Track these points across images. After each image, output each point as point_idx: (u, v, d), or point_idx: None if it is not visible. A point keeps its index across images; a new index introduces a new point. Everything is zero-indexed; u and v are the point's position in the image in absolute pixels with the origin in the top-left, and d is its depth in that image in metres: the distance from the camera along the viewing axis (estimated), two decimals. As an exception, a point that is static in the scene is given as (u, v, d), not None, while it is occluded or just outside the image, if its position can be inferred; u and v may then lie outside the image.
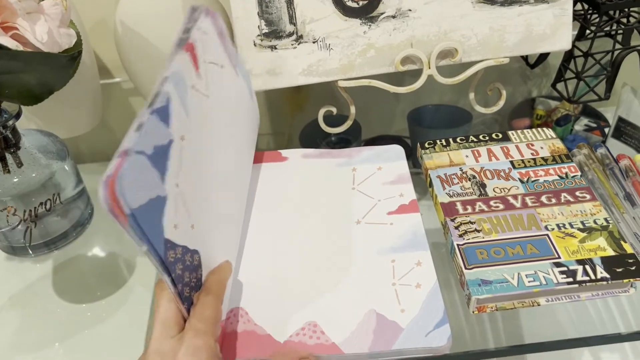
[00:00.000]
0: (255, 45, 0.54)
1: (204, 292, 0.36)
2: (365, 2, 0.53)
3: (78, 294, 0.58)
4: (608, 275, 0.42)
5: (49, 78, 0.39)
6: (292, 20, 0.54)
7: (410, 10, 0.54)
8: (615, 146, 0.66)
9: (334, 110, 0.59)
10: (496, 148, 0.54)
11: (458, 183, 0.51)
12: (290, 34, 0.54)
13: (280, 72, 0.55)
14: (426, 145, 0.55)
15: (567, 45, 0.56)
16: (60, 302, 0.58)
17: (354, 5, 0.53)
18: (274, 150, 0.56)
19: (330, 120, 0.60)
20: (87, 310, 0.57)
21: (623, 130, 0.65)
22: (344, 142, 0.70)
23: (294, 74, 0.55)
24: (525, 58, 0.74)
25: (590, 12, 0.62)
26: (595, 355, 0.57)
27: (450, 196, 0.50)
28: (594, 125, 0.73)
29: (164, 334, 0.33)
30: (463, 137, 0.56)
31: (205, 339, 0.33)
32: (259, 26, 0.53)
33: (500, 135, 0.56)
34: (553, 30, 0.55)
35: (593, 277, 0.42)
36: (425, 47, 0.54)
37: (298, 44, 0.54)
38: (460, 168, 0.52)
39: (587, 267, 0.42)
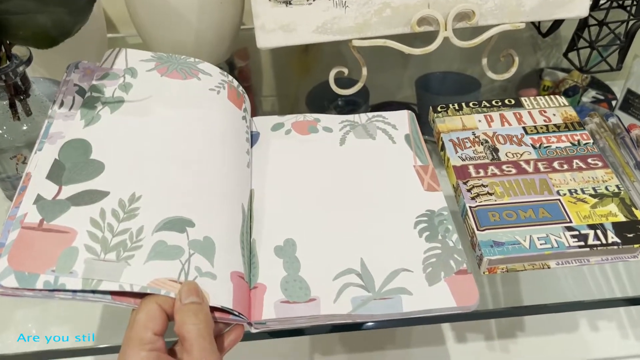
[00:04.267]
0: (269, 0, 0.53)
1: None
2: (384, -41, 0.52)
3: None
4: (619, 240, 0.42)
5: (65, 20, 0.38)
6: (308, -25, 0.52)
7: (428, -30, 0.53)
8: (623, 118, 0.66)
9: (346, 71, 0.59)
10: (509, 114, 0.54)
11: (470, 147, 0.51)
12: (306, -10, 0.53)
13: (294, 29, 0.54)
14: (439, 109, 0.55)
15: (584, 12, 0.55)
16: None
17: (372, -38, 0.52)
18: (279, 113, 0.55)
19: (338, 83, 0.59)
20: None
21: (631, 102, 0.65)
22: (352, 105, 0.69)
23: (308, 31, 0.54)
24: (537, 26, 0.74)
25: (607, -20, 0.61)
26: (593, 325, 0.59)
27: (463, 159, 0.50)
28: (602, 97, 0.73)
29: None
30: (476, 102, 0.55)
31: None
32: (274, -20, 0.52)
33: (513, 101, 0.56)
34: (571, -4, 0.54)
35: (604, 241, 0.42)
36: (443, 8, 0.53)
37: (313, 0, 0.53)
38: (472, 132, 0.52)
39: (599, 231, 0.43)
